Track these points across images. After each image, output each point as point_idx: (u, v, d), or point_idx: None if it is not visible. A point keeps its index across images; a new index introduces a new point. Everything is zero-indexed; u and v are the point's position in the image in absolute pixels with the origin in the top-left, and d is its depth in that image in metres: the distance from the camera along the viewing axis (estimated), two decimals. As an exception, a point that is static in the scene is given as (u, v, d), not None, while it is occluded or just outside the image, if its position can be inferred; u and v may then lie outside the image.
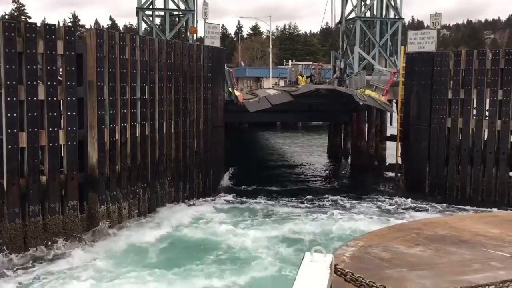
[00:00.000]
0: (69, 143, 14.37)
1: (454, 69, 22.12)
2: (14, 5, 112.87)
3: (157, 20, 30.41)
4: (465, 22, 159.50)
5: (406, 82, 23.85)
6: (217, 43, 21.74)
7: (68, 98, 14.34)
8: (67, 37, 14.24)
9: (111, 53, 15.54)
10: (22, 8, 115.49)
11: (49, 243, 13.87)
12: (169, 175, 18.49)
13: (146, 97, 17.22)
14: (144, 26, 31.14)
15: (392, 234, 5.46)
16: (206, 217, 18.07)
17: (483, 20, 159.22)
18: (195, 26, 29.07)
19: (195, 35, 27.39)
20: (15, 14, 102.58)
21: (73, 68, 14.39)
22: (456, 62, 22.06)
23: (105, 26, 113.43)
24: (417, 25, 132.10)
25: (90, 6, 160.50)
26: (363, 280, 3.69)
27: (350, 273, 3.70)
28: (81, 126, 14.88)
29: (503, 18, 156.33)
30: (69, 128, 14.37)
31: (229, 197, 21.18)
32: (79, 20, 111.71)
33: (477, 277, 4.18)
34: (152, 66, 17.44)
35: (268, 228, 16.77)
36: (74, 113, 14.47)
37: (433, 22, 23.12)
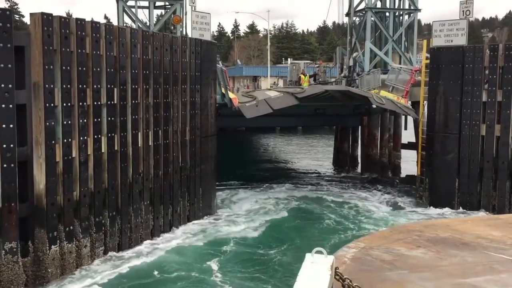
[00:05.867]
0: (5, 165, 10.73)
1: (490, 66, 18.57)
2: (7, 3, 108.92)
3: (145, 18, 26.75)
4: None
5: (430, 81, 20.23)
6: (207, 36, 18.08)
7: (3, 106, 10.69)
8: (1, 24, 10.60)
9: (65, 46, 11.89)
10: (16, 6, 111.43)
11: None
12: (146, 199, 14.85)
13: (115, 102, 13.58)
14: (128, 21, 27.56)
15: (394, 236, 5.32)
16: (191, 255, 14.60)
17: (480, 19, 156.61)
18: (185, 18, 25.47)
19: (181, 27, 23.72)
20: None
21: (9, 66, 10.75)
22: (492, 57, 18.50)
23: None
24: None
25: (87, 4, 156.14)
26: None
27: (348, 280, 3.56)
28: (22, 143, 11.25)
29: (500, 16, 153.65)
30: (5, 146, 10.72)
31: (221, 221, 17.66)
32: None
33: (479, 280, 4.08)
34: (122, 63, 13.81)
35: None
36: (11, 126, 10.83)
37: (463, 11, 19.52)
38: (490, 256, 4.77)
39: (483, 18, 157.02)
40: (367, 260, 4.56)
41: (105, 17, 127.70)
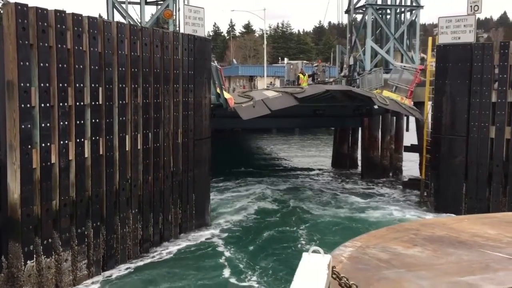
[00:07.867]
0: (-26, 173, 9.64)
1: (500, 64, 17.59)
2: (1, 1, 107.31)
3: (138, 16, 25.62)
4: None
5: (437, 81, 19.24)
6: (200, 32, 17.01)
7: (-28, 106, 9.61)
8: (-31, 15, 9.51)
9: (43, 41, 10.78)
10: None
11: None
12: (134, 207, 13.75)
13: (100, 102, 12.48)
14: (121, 20, 26.45)
15: (390, 234, 5.40)
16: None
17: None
18: (178, 15, 24.41)
19: (174, 24, 22.64)
20: (2, 11, 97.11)
21: (-22, 62, 9.67)
22: (503, 56, 17.53)
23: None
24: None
25: (83, 3, 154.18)
26: None
27: (345, 279, 3.62)
28: (-6, 147, 10.17)
29: (495, 17, 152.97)
30: (-27, 151, 9.63)
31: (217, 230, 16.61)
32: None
33: (475, 278, 4.18)
34: (108, 60, 12.71)
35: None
36: (-19, 129, 9.74)
37: (471, 6, 18.53)
38: (486, 254, 4.81)
39: (478, 19, 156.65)
40: (364, 259, 4.62)
41: (100, 17, 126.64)
